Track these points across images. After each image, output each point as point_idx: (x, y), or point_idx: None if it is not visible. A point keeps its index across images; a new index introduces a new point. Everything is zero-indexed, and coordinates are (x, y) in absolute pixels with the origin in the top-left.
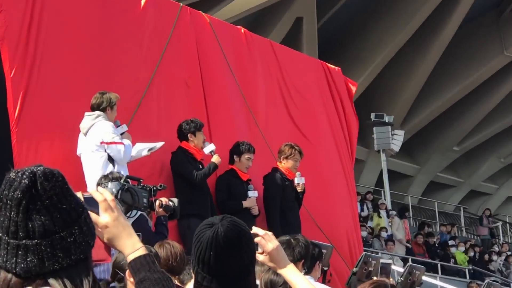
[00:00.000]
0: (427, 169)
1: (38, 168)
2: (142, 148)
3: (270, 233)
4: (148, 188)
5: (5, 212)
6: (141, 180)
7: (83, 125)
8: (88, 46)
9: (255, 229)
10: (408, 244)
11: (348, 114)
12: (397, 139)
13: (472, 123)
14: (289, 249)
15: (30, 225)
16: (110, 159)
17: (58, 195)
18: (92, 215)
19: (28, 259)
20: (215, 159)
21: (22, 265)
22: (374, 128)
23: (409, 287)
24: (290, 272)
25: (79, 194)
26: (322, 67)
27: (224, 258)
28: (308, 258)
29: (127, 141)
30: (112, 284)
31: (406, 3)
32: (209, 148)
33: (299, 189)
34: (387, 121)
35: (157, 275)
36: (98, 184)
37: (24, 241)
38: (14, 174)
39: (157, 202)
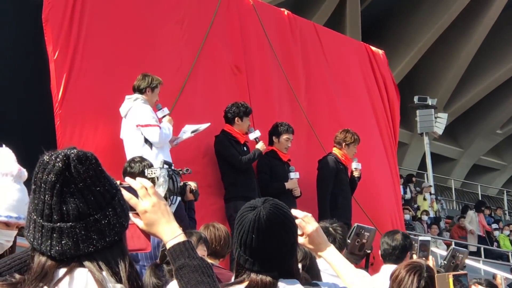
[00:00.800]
0: (470, 152)
1: (72, 151)
2: (187, 129)
3: (309, 215)
4: (180, 173)
5: (39, 195)
6: (173, 165)
7: (123, 108)
8: (131, 28)
9: (294, 211)
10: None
11: (391, 97)
12: (441, 122)
13: None
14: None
15: (64, 208)
16: (148, 142)
17: (92, 177)
18: (133, 198)
19: (63, 242)
20: (260, 146)
21: (57, 248)
22: (418, 111)
23: (452, 270)
24: (331, 254)
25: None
26: (365, 50)
27: (266, 241)
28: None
29: (166, 125)
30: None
31: None
32: (254, 134)
33: (356, 174)
34: (430, 104)
35: (196, 261)
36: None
37: (58, 224)
38: (47, 157)
39: (188, 187)
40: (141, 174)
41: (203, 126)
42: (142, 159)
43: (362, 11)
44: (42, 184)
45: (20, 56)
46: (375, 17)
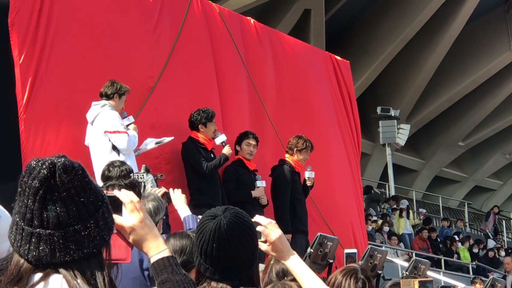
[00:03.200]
0: (432, 164)
1: (59, 160)
2: (149, 141)
3: (273, 222)
4: (155, 178)
5: (23, 198)
6: (150, 170)
7: (89, 114)
8: (98, 33)
9: (257, 218)
10: None
11: (356, 107)
12: (403, 133)
13: (478, 119)
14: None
15: (45, 215)
16: (115, 148)
17: (76, 188)
18: (117, 218)
19: (40, 248)
20: (226, 150)
21: (34, 253)
22: (380, 122)
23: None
24: (294, 263)
25: None
26: (330, 59)
27: (227, 250)
28: None
29: (132, 132)
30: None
31: None
32: (220, 138)
33: (309, 183)
34: (393, 115)
35: (179, 277)
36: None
37: (38, 229)
38: (34, 162)
39: (161, 192)
40: (120, 178)
41: (167, 139)
42: (122, 163)
43: (326, 21)
44: (27, 189)
45: None
46: (339, 27)
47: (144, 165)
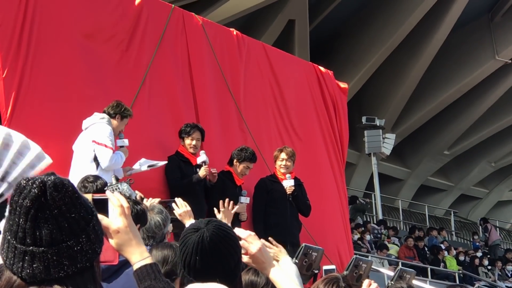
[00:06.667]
0: (417, 173)
1: (49, 178)
2: (143, 162)
3: (253, 234)
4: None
5: (14, 217)
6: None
7: (86, 121)
8: (80, 46)
9: (237, 231)
10: None
11: (340, 117)
12: (388, 143)
13: (463, 127)
14: None
15: (37, 233)
16: (96, 160)
17: (67, 204)
18: (104, 218)
19: (34, 265)
20: (201, 172)
21: (28, 271)
22: (365, 132)
23: None
24: (275, 273)
25: (89, 196)
26: (314, 70)
27: (210, 262)
28: None
29: (121, 153)
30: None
31: (399, 7)
32: (201, 158)
33: (288, 192)
34: (378, 125)
35: (162, 284)
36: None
37: (31, 248)
38: (24, 181)
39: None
40: (98, 192)
41: (160, 163)
42: (95, 178)
43: (310, 32)
44: (18, 208)
45: None
46: (323, 37)
47: (113, 176)
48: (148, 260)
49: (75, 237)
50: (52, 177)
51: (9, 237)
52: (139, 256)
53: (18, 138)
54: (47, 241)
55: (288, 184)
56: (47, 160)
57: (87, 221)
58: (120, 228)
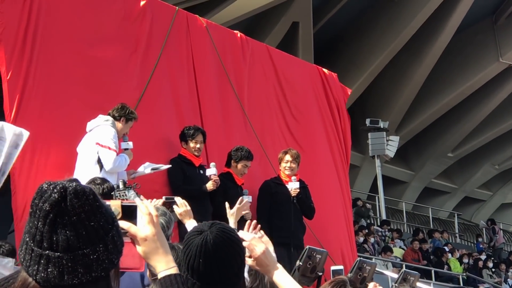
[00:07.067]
0: (421, 175)
1: (70, 184)
2: (147, 165)
3: (257, 236)
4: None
5: (33, 220)
6: (126, 181)
7: (91, 123)
8: (84, 49)
9: (242, 233)
10: None
11: (344, 119)
12: (392, 145)
13: (467, 130)
14: None
15: (54, 238)
16: (100, 162)
17: (87, 212)
18: (132, 226)
19: (48, 270)
20: (209, 185)
21: (42, 274)
22: (369, 134)
23: None
24: (279, 277)
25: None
26: (318, 72)
27: (213, 265)
28: None
29: (125, 155)
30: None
31: (402, 9)
32: (210, 171)
33: (292, 194)
34: (382, 127)
35: None
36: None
37: (47, 252)
38: (46, 185)
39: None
40: (105, 196)
41: (164, 167)
42: (103, 181)
43: (314, 34)
44: (37, 211)
45: None
46: (327, 40)
47: (121, 180)
48: (174, 270)
49: (92, 245)
50: (74, 184)
51: (27, 239)
52: (165, 265)
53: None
54: (63, 246)
55: (293, 186)
56: (26, 133)
57: (106, 230)
58: (147, 236)
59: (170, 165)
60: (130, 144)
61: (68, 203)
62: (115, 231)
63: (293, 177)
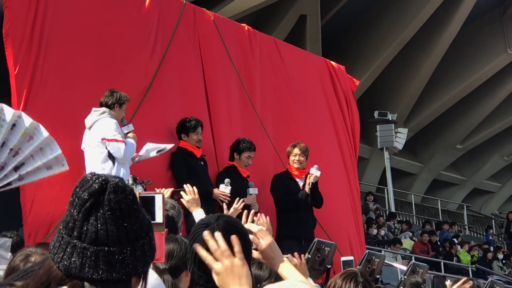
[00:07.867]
0: (430, 167)
1: (113, 179)
2: (151, 148)
3: (264, 229)
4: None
5: (71, 208)
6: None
7: (88, 119)
8: (91, 43)
9: (249, 225)
10: None
11: (353, 111)
12: (401, 137)
13: (476, 121)
14: None
15: (85, 228)
16: (111, 156)
17: (123, 210)
18: (208, 258)
19: (72, 259)
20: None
21: (66, 263)
22: (378, 126)
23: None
24: (285, 269)
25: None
26: (326, 65)
27: None
28: None
29: (131, 141)
30: None
31: (410, 1)
32: (226, 189)
33: (310, 179)
34: (390, 119)
35: None
36: None
37: (75, 241)
38: (90, 175)
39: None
40: None
41: (169, 146)
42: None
43: (322, 27)
44: (76, 199)
45: None
46: (335, 32)
47: (131, 176)
48: None
49: (120, 246)
50: (116, 179)
51: (61, 227)
52: None
53: (43, 134)
54: (91, 238)
55: (315, 173)
56: (65, 167)
57: (138, 236)
58: (219, 270)
59: (173, 144)
60: (130, 126)
61: (105, 197)
62: (148, 241)
63: (315, 166)
